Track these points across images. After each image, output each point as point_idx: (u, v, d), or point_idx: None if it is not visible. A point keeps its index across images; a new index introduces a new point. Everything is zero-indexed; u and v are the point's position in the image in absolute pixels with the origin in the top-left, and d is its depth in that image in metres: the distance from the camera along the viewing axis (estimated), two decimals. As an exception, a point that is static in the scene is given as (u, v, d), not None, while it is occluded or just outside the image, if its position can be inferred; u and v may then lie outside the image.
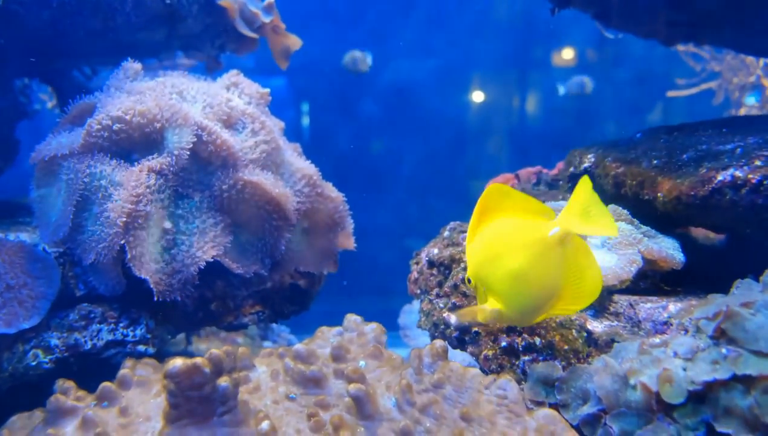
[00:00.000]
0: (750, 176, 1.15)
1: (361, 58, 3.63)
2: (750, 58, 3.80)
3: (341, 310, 1.45)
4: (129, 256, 1.34)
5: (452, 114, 4.93)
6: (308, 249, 1.72)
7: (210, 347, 2.31)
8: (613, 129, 4.81)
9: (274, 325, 2.93)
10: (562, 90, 4.18)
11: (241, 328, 1.72)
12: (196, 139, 1.43)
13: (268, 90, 1.74)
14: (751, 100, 3.87)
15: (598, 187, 1.58)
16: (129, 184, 1.36)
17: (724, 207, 1.19)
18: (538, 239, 0.95)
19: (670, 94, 4.08)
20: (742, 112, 3.87)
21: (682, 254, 1.25)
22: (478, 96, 4.90)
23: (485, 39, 4.88)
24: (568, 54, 4.78)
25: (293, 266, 1.69)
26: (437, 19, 4.84)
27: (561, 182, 1.91)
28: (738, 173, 1.17)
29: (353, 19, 4.75)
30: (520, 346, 1.24)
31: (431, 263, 1.59)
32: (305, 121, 4.80)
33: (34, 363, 1.34)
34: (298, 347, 1.27)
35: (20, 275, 1.35)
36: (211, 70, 2.25)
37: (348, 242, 1.76)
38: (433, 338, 1.48)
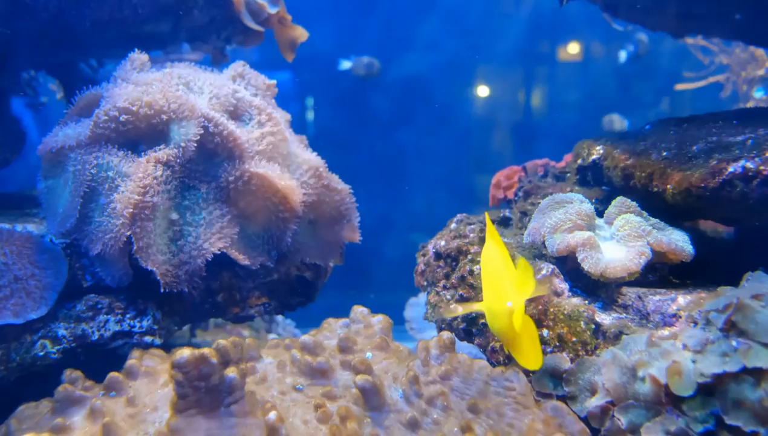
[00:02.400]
0: (762, 168, 1.14)
1: (369, 64, 3.74)
2: (759, 52, 3.78)
3: (346, 303, 1.44)
4: (136, 247, 1.34)
5: (458, 108, 4.92)
6: (314, 241, 1.71)
7: (215, 339, 2.31)
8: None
9: (279, 318, 2.93)
10: (624, 55, 4.12)
11: (248, 320, 1.72)
12: (202, 131, 1.43)
13: (274, 81, 1.73)
14: (759, 94, 3.85)
15: (606, 179, 1.58)
16: (136, 175, 1.35)
17: (734, 199, 1.18)
18: (501, 301, 1.10)
19: (678, 87, 4.06)
20: (750, 105, 3.85)
21: (691, 246, 1.24)
22: (484, 90, 4.88)
23: (492, 33, 4.86)
24: (574, 48, 4.76)
25: (299, 258, 1.69)
26: (444, 14, 4.82)
27: (569, 174, 1.90)
28: (749, 165, 1.16)
29: (359, 12, 4.73)
30: (527, 338, 1.23)
31: (438, 255, 1.59)
32: (310, 115, 4.79)
33: (41, 353, 1.34)
34: (305, 338, 1.27)
35: (28, 266, 1.36)
36: (217, 62, 2.25)
37: (354, 235, 1.76)
38: (440, 329, 1.48)
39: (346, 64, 4.09)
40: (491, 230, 1.23)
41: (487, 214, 1.26)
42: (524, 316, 1.08)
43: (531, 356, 1.07)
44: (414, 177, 4.77)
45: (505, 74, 4.88)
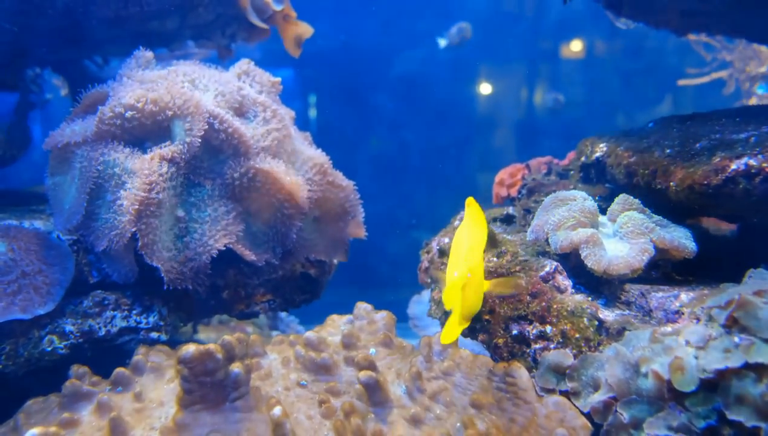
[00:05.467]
0: (764, 165, 1.14)
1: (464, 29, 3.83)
2: (762, 48, 3.77)
3: (349, 300, 1.45)
4: (141, 244, 1.35)
5: (462, 105, 4.92)
6: (319, 238, 1.72)
7: (219, 336, 2.33)
8: (622, 121, 4.79)
9: (282, 314, 2.94)
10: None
11: (253, 316, 1.73)
12: (207, 127, 1.44)
13: (279, 79, 1.74)
14: (761, 90, 3.83)
15: (610, 177, 1.58)
16: (142, 172, 1.36)
17: (737, 196, 1.18)
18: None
19: (681, 82, 4.05)
20: (752, 102, 3.84)
21: (694, 243, 1.24)
22: (487, 87, 4.88)
23: (496, 31, 4.86)
24: (576, 46, 4.75)
25: (304, 255, 1.70)
26: (447, 11, 4.82)
27: (572, 172, 1.90)
28: (752, 162, 1.16)
29: (363, 9, 4.73)
30: (531, 334, 1.24)
31: (442, 252, 1.59)
32: (312, 112, 4.80)
33: (49, 349, 1.35)
34: (309, 334, 1.28)
35: (35, 262, 1.37)
36: (222, 58, 2.25)
37: (359, 230, 1.76)
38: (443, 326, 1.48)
39: (442, 42, 4.15)
40: (473, 209, 1.21)
41: (471, 199, 1.27)
42: (468, 288, 1.07)
43: (446, 331, 1.06)
44: (417, 174, 4.78)
45: (508, 72, 4.88)
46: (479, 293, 1.12)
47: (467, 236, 1.16)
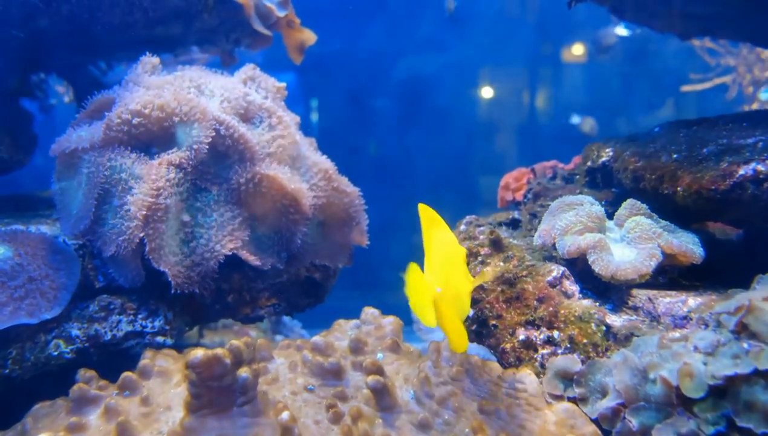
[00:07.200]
0: (772, 171, 1.14)
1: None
2: (767, 53, 3.77)
3: (352, 305, 1.45)
4: (148, 248, 1.35)
5: (465, 109, 4.92)
6: (323, 243, 1.72)
7: (224, 340, 2.33)
8: (624, 124, 4.79)
9: (285, 318, 2.94)
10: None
11: (257, 320, 1.73)
12: (214, 133, 1.44)
13: (284, 84, 1.75)
14: (765, 96, 3.83)
15: (616, 182, 1.58)
16: (149, 177, 1.37)
17: (745, 201, 1.18)
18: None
19: (684, 88, 4.05)
20: (755, 107, 3.84)
21: (701, 249, 1.24)
22: (489, 91, 4.89)
23: (498, 35, 4.87)
24: (578, 50, 4.76)
25: (309, 260, 1.70)
26: (450, 15, 4.83)
27: (577, 177, 1.90)
28: (760, 167, 1.16)
29: (365, 14, 4.74)
30: (538, 339, 1.24)
31: (447, 257, 1.59)
32: (315, 116, 4.81)
33: (55, 353, 1.36)
34: (316, 339, 1.28)
35: (42, 267, 1.37)
36: (226, 64, 2.26)
37: (361, 238, 1.76)
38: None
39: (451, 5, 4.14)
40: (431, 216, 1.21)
41: (421, 205, 1.24)
42: (448, 299, 1.07)
43: (453, 341, 1.05)
44: (421, 179, 4.78)
45: (511, 76, 4.88)
46: (461, 297, 1.08)
47: (430, 246, 1.14)
